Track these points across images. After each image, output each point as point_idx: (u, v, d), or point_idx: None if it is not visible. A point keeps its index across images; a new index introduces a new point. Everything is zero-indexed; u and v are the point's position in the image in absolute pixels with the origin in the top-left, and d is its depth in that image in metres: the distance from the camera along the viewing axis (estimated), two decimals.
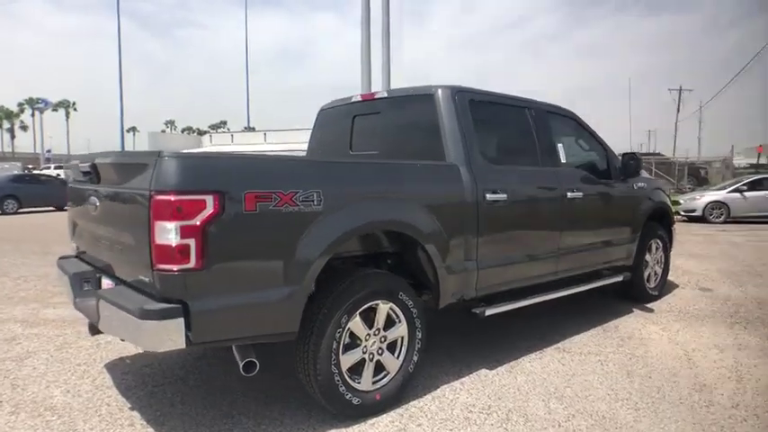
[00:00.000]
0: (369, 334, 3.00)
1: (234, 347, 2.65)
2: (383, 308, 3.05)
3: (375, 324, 3.03)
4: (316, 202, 2.70)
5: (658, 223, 5.54)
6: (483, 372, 3.66)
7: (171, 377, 3.59)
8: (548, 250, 4.11)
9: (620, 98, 68.93)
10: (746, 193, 15.65)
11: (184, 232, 2.31)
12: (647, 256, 5.40)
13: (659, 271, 5.65)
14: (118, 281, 2.84)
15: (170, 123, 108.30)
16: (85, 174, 2.98)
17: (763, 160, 32.33)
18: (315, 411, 3.06)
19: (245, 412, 3.07)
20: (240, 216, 2.45)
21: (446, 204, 3.36)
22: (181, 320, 2.33)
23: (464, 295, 3.53)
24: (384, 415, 3.04)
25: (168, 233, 2.31)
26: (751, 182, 16.10)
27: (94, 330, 3.02)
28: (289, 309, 2.64)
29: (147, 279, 2.43)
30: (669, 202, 5.81)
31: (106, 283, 3.02)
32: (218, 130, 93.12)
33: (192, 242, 2.33)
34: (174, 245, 2.31)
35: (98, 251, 3.05)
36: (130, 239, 2.56)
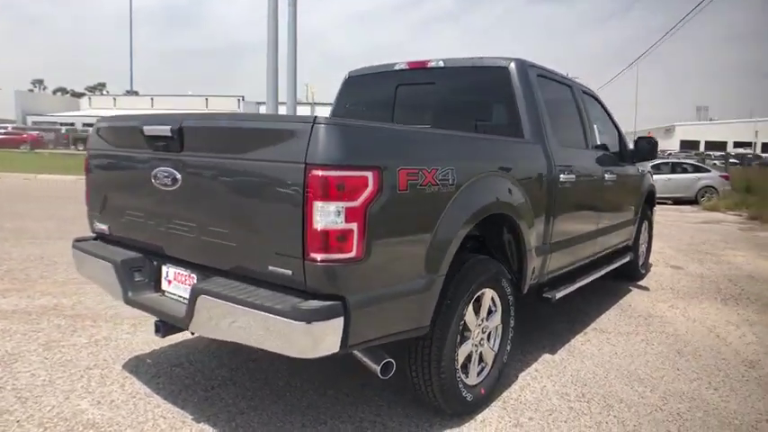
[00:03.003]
0: (477, 324, 2.77)
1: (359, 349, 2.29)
2: (488, 296, 2.83)
3: (481, 313, 2.80)
4: (450, 181, 2.38)
5: (647, 204, 5.80)
6: (547, 357, 3.58)
7: (216, 378, 3.09)
8: (592, 232, 4.10)
9: None
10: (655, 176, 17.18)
11: (348, 215, 1.91)
12: (640, 236, 5.64)
13: (644, 250, 5.95)
14: (205, 271, 2.33)
15: (38, 83, 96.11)
16: (153, 139, 2.39)
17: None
18: (409, 410, 2.79)
19: (337, 416, 2.71)
20: (395, 196, 2.08)
21: (534, 184, 3.19)
22: (341, 320, 1.94)
23: (539, 279, 3.40)
24: (487, 410, 2.84)
25: (329, 216, 1.89)
26: (657, 164, 17.68)
27: (166, 330, 2.46)
28: (427, 300, 2.33)
29: (286, 271, 1.98)
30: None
31: (175, 272, 2.48)
32: (97, 93, 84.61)
33: (354, 227, 1.93)
34: (335, 230, 1.90)
35: (162, 235, 2.47)
36: (254, 223, 2.07)
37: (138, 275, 2.57)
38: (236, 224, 2.14)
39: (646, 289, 5.46)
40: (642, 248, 5.84)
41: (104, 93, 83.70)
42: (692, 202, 16.94)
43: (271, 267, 2.03)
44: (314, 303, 1.91)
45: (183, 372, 3.18)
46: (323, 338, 1.93)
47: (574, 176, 3.55)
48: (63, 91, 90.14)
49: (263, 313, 1.94)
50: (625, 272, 5.55)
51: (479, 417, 2.76)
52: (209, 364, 3.30)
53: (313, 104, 62.87)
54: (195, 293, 2.16)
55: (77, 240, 2.94)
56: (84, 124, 47.74)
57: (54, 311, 4.16)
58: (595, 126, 4.39)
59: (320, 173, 1.88)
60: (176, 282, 2.48)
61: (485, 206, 2.62)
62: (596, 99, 4.74)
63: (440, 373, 2.50)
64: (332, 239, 1.91)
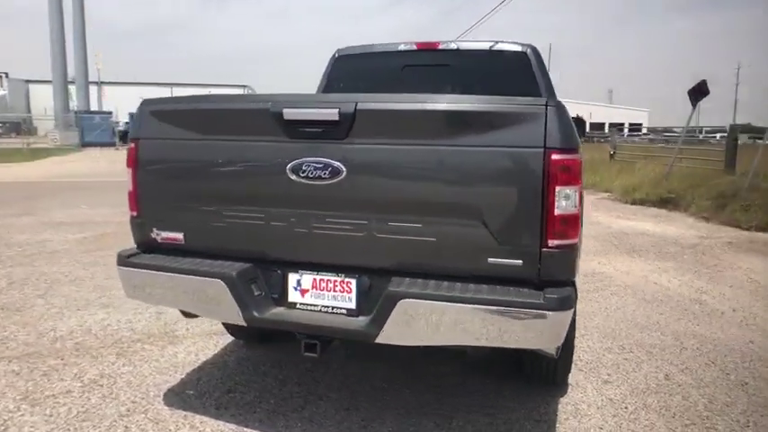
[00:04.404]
0: None
1: None
2: None
3: None
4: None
5: None
6: None
7: (293, 397, 2.72)
8: None
9: (308, 63, 73.51)
10: None
11: (578, 199, 1.89)
12: None
13: None
14: (370, 274, 2.05)
15: None
16: (298, 124, 1.98)
17: None
18: (508, 392, 2.81)
19: (457, 408, 2.63)
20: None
21: None
22: (574, 306, 1.91)
23: None
24: (570, 375, 3.02)
25: (568, 201, 1.85)
26: None
27: (323, 346, 2.09)
28: None
29: (514, 262, 1.87)
30: None
31: (315, 279, 2.13)
32: None
33: (579, 211, 1.92)
34: (569, 215, 1.87)
35: (296, 237, 2.07)
36: (469, 214, 1.88)
37: (256, 290, 2.14)
38: (440, 217, 1.93)
39: None
40: None
41: None
42: None
43: (492, 259, 1.89)
44: (561, 292, 1.85)
45: (246, 396, 2.73)
46: (566, 326, 1.89)
47: None
48: None
49: (510, 309, 1.81)
50: None
51: (572, 382, 2.94)
52: (265, 382, 2.88)
53: (100, 84, 55.51)
54: (392, 299, 1.90)
55: (128, 256, 2.28)
56: None
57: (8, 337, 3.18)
58: None
59: (559, 157, 1.82)
60: (317, 290, 2.12)
61: None
62: None
63: (567, 346, 2.60)
64: (566, 225, 1.87)
